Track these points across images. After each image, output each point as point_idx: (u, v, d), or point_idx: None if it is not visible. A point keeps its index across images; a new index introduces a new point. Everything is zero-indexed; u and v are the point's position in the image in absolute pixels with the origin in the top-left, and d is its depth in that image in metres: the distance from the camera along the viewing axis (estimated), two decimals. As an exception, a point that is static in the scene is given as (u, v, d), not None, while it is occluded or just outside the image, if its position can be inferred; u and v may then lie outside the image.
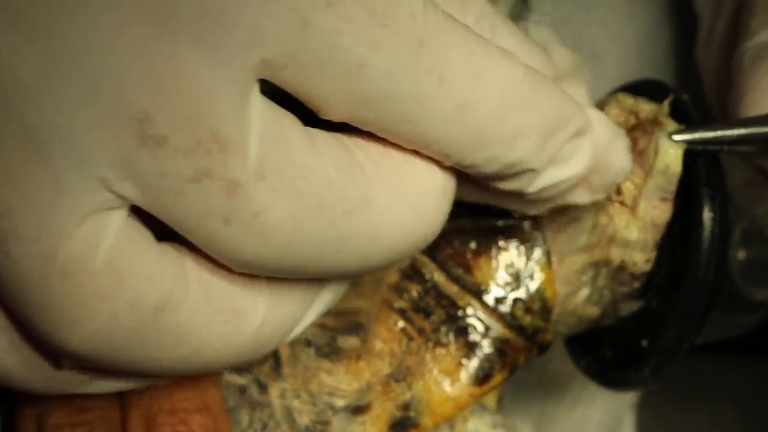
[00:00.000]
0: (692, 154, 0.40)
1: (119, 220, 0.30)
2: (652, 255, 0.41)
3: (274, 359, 0.40)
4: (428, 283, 0.40)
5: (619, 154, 0.36)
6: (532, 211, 0.38)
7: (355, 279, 0.34)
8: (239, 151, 0.28)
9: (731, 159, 0.43)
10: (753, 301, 0.44)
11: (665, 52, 0.60)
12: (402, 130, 0.31)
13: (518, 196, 0.34)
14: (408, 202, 0.31)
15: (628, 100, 0.41)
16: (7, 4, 0.28)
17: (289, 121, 0.30)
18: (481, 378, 0.40)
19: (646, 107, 0.40)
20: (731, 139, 0.39)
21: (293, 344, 0.40)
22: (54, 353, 0.31)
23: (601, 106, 0.41)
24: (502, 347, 0.40)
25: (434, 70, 0.30)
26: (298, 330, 0.33)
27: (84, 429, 0.37)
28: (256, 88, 0.29)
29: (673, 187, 0.40)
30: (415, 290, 0.40)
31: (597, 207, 0.40)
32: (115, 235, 0.30)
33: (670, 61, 0.60)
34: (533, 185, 0.34)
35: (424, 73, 0.30)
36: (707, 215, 0.40)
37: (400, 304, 0.40)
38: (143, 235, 0.30)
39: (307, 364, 0.40)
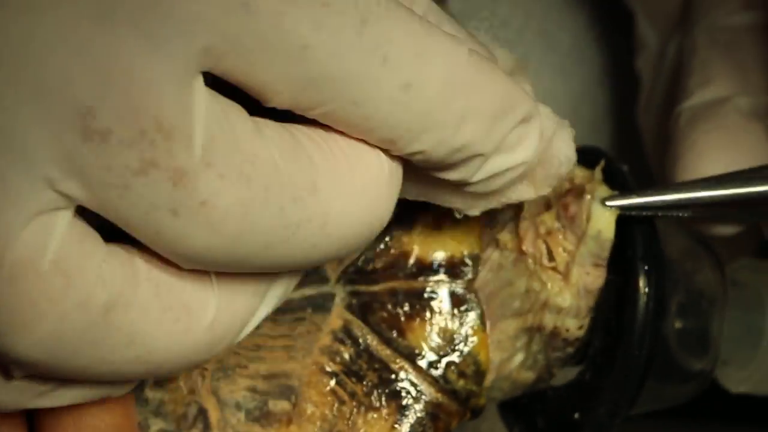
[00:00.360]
0: (628, 224, 0.40)
1: (65, 220, 0.29)
2: (586, 321, 0.40)
3: (203, 423, 0.39)
4: (361, 345, 0.40)
5: (563, 144, 0.35)
6: (474, 210, 0.37)
7: (304, 270, 0.34)
8: (184, 139, 0.28)
9: (669, 228, 0.43)
10: (689, 371, 0.43)
11: (602, 112, 0.60)
12: (348, 114, 0.31)
13: (462, 190, 0.34)
14: (356, 189, 0.31)
15: None
16: None
17: (234, 109, 0.30)
18: None
19: (580, 173, 0.40)
20: (664, 204, 0.39)
21: (223, 407, 0.39)
22: (2, 361, 0.31)
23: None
24: (434, 411, 0.39)
25: (377, 49, 0.30)
26: (251, 325, 0.33)
27: None
28: (199, 79, 0.29)
29: (605, 253, 0.40)
30: (347, 353, 0.40)
31: (529, 272, 0.40)
32: (61, 236, 0.29)
33: (608, 122, 0.60)
34: (479, 173, 0.33)
35: (367, 53, 0.30)
36: (642, 291, 0.40)
37: (332, 367, 0.40)
38: (90, 235, 0.30)
39: (238, 429, 0.39)
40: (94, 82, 0.28)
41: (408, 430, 0.39)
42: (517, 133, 0.33)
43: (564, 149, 0.35)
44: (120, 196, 0.29)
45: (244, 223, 0.29)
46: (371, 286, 0.40)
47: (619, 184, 0.40)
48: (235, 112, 0.30)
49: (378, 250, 0.40)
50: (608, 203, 0.39)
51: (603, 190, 0.40)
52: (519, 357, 0.41)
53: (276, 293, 0.33)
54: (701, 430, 0.58)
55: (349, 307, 0.40)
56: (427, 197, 0.36)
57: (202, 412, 0.39)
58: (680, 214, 0.40)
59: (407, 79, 0.30)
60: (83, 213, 0.30)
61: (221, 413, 0.39)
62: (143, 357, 0.31)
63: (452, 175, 0.33)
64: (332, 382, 0.40)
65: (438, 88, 0.31)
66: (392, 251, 0.40)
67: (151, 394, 0.40)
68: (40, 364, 0.30)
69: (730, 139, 0.43)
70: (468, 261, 0.40)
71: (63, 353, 0.30)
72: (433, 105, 0.31)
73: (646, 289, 0.39)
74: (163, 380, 0.40)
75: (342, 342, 0.40)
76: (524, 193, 0.36)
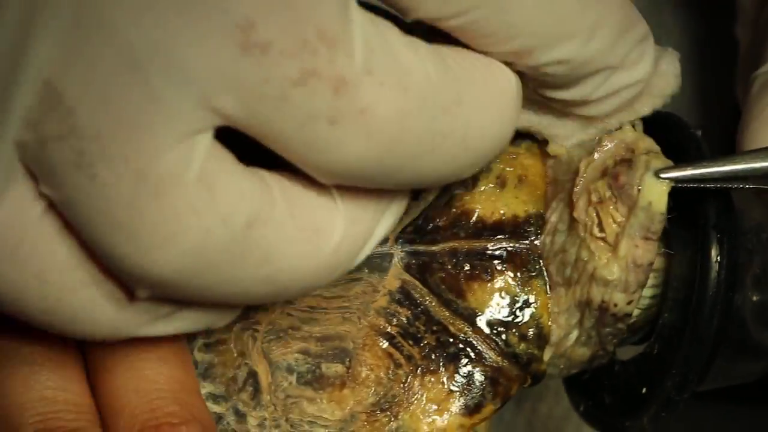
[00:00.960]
0: (702, 193, 0.38)
1: (207, 141, 0.30)
2: (635, 296, 0.39)
3: (253, 386, 0.38)
4: (419, 307, 0.38)
5: (670, 65, 0.37)
6: (573, 139, 0.38)
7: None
8: (346, 48, 0.29)
9: (745, 198, 0.41)
10: (764, 347, 0.42)
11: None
12: (493, 22, 0.31)
13: (570, 113, 0.36)
14: (491, 100, 0.32)
15: (629, 134, 0.39)
16: None
17: (388, 26, 0.30)
18: (472, 408, 0.38)
19: (641, 142, 0.39)
20: (722, 176, 0.38)
21: (274, 371, 0.38)
22: (134, 281, 0.31)
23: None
24: (494, 376, 0.38)
25: None
26: (370, 246, 0.34)
27: None
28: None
29: (656, 226, 0.38)
30: (404, 315, 0.38)
31: (580, 240, 0.39)
32: (205, 153, 0.30)
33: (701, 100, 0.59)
34: (601, 89, 0.35)
35: None
36: (714, 260, 0.38)
37: (389, 329, 0.38)
38: (228, 156, 0.31)
39: (289, 392, 0.38)
40: None
41: (467, 394, 0.38)
42: (639, 49, 0.35)
43: (672, 69, 0.37)
44: (276, 107, 0.29)
45: (400, 131, 0.30)
46: (431, 246, 0.39)
47: (681, 155, 0.39)
48: (389, 28, 0.30)
49: (438, 209, 0.39)
50: (662, 175, 0.38)
51: (659, 161, 0.38)
52: (574, 334, 0.40)
53: (392, 213, 0.34)
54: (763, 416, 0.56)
55: (407, 268, 0.39)
56: (530, 123, 0.37)
57: (252, 375, 0.38)
58: (743, 186, 0.38)
59: None
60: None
61: (272, 376, 0.38)
62: (272, 276, 0.31)
63: (574, 93, 0.35)
64: (388, 345, 0.38)
65: None
66: (453, 210, 0.39)
67: (200, 356, 0.39)
68: (172, 281, 0.31)
69: None
70: (532, 221, 0.39)
71: (200, 269, 0.30)
72: (572, 11, 0.32)
73: (718, 259, 0.38)
74: (212, 342, 0.39)
75: (399, 303, 0.38)
76: (643, 106, 0.37)
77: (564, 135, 0.38)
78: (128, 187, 0.29)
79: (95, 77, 0.29)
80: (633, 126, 0.39)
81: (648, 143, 0.39)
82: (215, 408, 0.38)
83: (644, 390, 0.40)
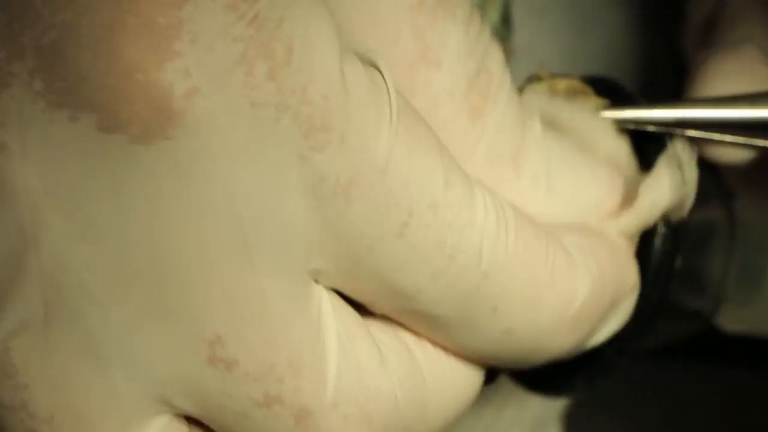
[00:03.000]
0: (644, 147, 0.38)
1: (163, 421, 0.29)
2: None
3: None
4: None
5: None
6: None
7: None
8: (314, 378, 0.28)
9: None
10: (689, 310, 0.43)
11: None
12: (446, 343, 0.30)
13: None
14: (457, 396, 0.31)
15: (543, 83, 0.37)
16: (82, 213, 0.27)
17: (359, 330, 0.29)
18: None
19: (561, 83, 0.37)
20: (661, 121, 0.37)
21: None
22: None
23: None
24: None
25: (491, 299, 0.29)
26: None
27: None
28: (325, 299, 0.28)
29: None
30: None
31: None
32: None
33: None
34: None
35: (479, 303, 0.29)
36: (660, 229, 0.37)
37: None
38: None
39: None
40: (227, 311, 0.27)
41: None
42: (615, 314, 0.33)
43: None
44: (236, 421, 0.28)
45: None
46: None
47: (617, 100, 0.37)
48: (359, 333, 0.29)
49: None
50: (603, 114, 0.36)
51: (596, 103, 0.37)
52: None
53: None
54: (692, 371, 0.57)
55: None
56: None
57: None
58: (679, 133, 0.37)
59: (511, 326, 0.30)
60: None
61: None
62: None
63: None
64: None
65: (542, 332, 0.31)
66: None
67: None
68: None
69: (746, 66, 0.41)
70: None
71: None
72: (533, 344, 0.31)
73: (663, 230, 0.37)
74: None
75: None
76: None
77: None
78: None
79: (53, 361, 0.28)
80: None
81: (567, 82, 0.37)
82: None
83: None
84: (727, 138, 0.38)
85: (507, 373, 0.43)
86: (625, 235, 0.34)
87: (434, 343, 0.31)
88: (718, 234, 0.42)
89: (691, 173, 0.33)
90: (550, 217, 0.32)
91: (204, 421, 0.29)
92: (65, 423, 0.28)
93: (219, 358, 0.27)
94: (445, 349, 0.31)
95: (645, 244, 0.37)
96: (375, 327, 0.30)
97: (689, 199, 0.33)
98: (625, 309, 0.34)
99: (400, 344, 0.30)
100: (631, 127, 0.37)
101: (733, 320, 0.45)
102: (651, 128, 0.37)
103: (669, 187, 0.33)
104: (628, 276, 0.33)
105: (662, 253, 0.37)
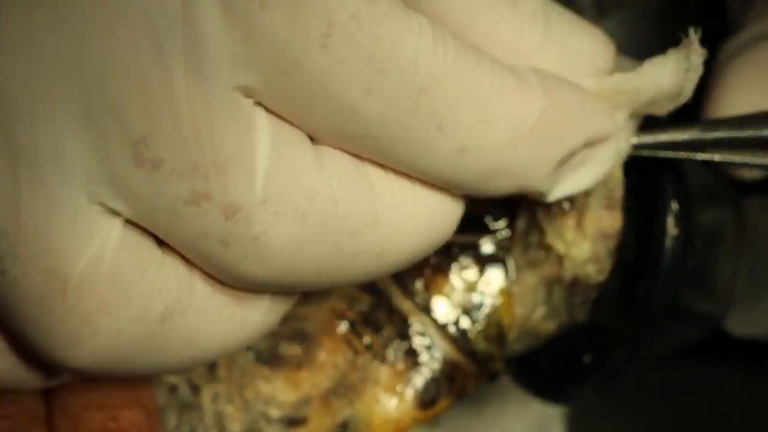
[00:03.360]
0: (656, 166, 0.38)
1: (117, 231, 0.29)
2: (607, 263, 0.39)
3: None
4: (381, 295, 0.38)
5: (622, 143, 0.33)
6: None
7: None
8: (241, 176, 0.28)
9: (691, 162, 0.40)
10: (698, 314, 0.42)
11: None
12: (400, 167, 0.30)
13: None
14: (418, 218, 0.30)
15: None
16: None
17: (296, 138, 0.29)
18: (427, 402, 0.38)
19: None
20: (676, 143, 0.36)
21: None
22: (57, 368, 0.31)
23: None
24: (451, 372, 0.38)
25: (434, 116, 0.28)
26: (290, 303, 0.32)
27: (5, 422, 0.35)
28: (260, 111, 0.28)
29: (617, 193, 0.38)
30: (366, 302, 0.38)
31: (543, 221, 0.38)
32: (114, 248, 0.29)
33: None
34: (549, 197, 0.32)
35: (421, 120, 0.28)
36: (671, 231, 0.37)
37: (350, 315, 0.38)
38: (143, 243, 0.29)
39: (245, 369, 0.38)
40: (148, 111, 0.27)
41: (422, 388, 0.38)
42: (588, 158, 0.32)
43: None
44: (169, 221, 0.28)
45: (297, 257, 0.29)
46: None
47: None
48: (296, 141, 0.29)
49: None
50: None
51: None
52: (540, 311, 0.40)
53: None
54: (698, 372, 0.57)
55: None
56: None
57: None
58: (695, 156, 0.36)
59: (463, 145, 0.29)
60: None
61: (229, 351, 0.38)
62: (198, 357, 0.30)
63: (521, 197, 0.32)
64: (347, 331, 0.38)
65: (497, 151, 0.29)
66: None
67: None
68: (93, 371, 0.30)
69: (761, 74, 0.40)
70: (501, 218, 0.39)
71: (118, 363, 0.30)
72: (490, 164, 0.30)
73: (676, 229, 0.37)
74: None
75: (362, 289, 0.38)
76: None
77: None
78: (37, 287, 0.28)
79: None
80: None
81: None
82: (170, 379, 0.38)
83: (588, 358, 0.40)
84: (748, 159, 0.36)
85: (512, 378, 0.42)
86: (609, 95, 0.32)
87: (398, 173, 0.30)
88: (727, 236, 0.42)
89: (698, 60, 0.32)
90: (545, 64, 0.31)
91: (143, 224, 0.29)
92: (18, 236, 0.28)
93: (144, 158, 0.28)
94: (409, 177, 0.30)
95: (656, 246, 0.37)
96: (327, 150, 0.29)
97: (689, 87, 0.32)
98: (602, 158, 0.32)
99: (344, 157, 0.30)
100: (647, 153, 0.36)
101: (741, 324, 0.44)
102: (661, 154, 0.36)
103: (673, 69, 0.32)
104: (601, 120, 0.31)
105: (673, 255, 0.37)
